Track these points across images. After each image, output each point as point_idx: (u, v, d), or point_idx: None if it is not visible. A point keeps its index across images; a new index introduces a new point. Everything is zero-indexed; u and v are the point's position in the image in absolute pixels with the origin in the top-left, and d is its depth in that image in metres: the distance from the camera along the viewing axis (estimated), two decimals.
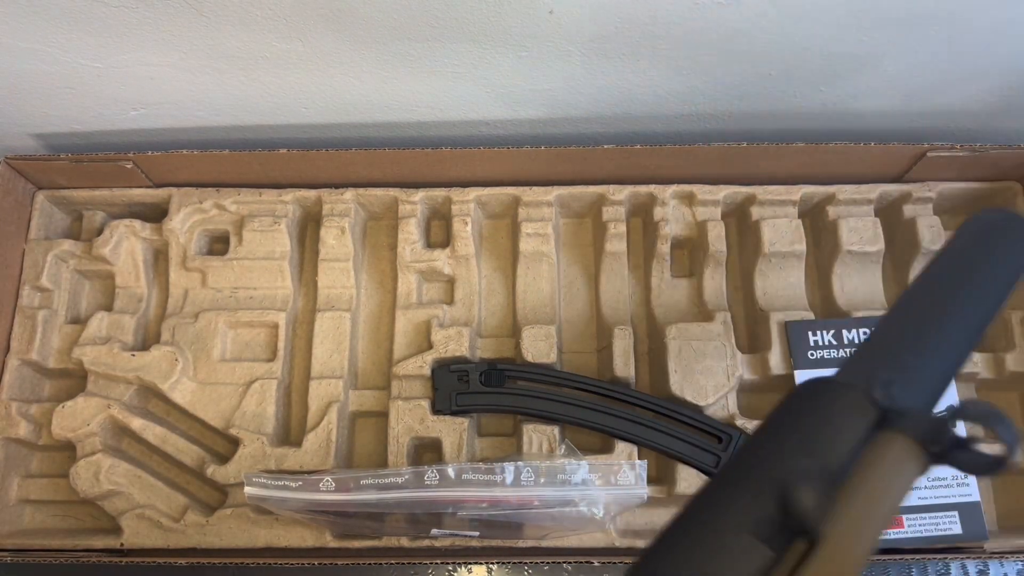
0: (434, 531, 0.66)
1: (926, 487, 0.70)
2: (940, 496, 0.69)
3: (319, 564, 0.65)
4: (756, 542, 0.27)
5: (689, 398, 0.70)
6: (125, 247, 0.77)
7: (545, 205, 0.77)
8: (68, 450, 0.72)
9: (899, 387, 0.32)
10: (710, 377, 0.70)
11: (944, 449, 0.30)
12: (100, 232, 0.77)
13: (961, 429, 0.59)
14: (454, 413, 0.70)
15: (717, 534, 0.28)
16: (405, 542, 0.67)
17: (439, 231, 0.81)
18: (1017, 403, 0.75)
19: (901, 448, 0.30)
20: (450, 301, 0.78)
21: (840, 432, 0.31)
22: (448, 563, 0.73)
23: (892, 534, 0.68)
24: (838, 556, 0.27)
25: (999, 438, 0.29)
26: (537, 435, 0.70)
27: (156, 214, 0.79)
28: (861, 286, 0.76)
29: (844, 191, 0.76)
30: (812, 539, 0.27)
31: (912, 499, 0.69)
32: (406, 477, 0.60)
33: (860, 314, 0.73)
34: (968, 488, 0.69)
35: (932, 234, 0.75)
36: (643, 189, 0.77)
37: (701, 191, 0.77)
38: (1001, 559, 0.68)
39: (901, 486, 0.30)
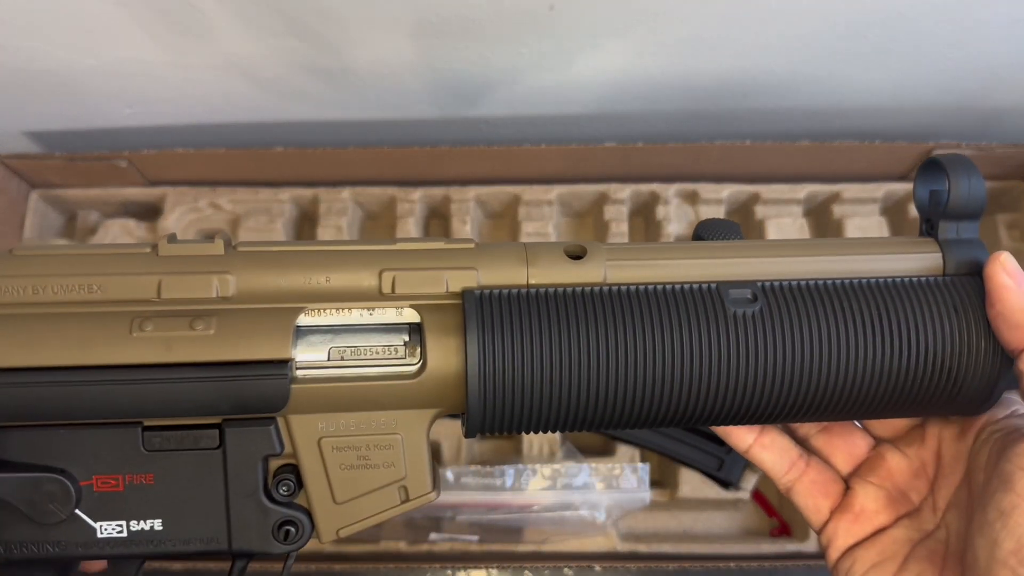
0: (433, 535, 0.66)
1: None
2: None
3: (316, 568, 0.65)
4: None
5: None
6: None
7: (546, 204, 0.76)
8: None
9: None
10: None
11: None
12: (94, 232, 0.77)
13: None
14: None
15: None
16: (403, 546, 0.66)
17: (438, 230, 0.80)
18: None
19: None
20: None
21: None
22: (447, 567, 0.73)
23: None
24: None
25: None
26: (537, 438, 0.69)
27: (150, 213, 0.78)
28: None
29: (849, 190, 0.76)
30: None
31: None
32: None
33: None
34: None
35: None
36: (645, 188, 0.76)
37: (704, 190, 0.76)
38: None
39: None
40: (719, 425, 0.38)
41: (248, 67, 0.68)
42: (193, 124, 0.77)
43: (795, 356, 0.35)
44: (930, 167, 0.38)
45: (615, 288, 0.35)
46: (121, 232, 0.76)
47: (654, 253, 0.37)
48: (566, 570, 0.66)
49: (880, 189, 0.76)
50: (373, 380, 0.35)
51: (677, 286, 0.36)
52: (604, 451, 0.70)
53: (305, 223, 0.80)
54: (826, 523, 0.41)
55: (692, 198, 0.77)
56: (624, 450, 0.69)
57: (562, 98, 0.74)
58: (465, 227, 0.75)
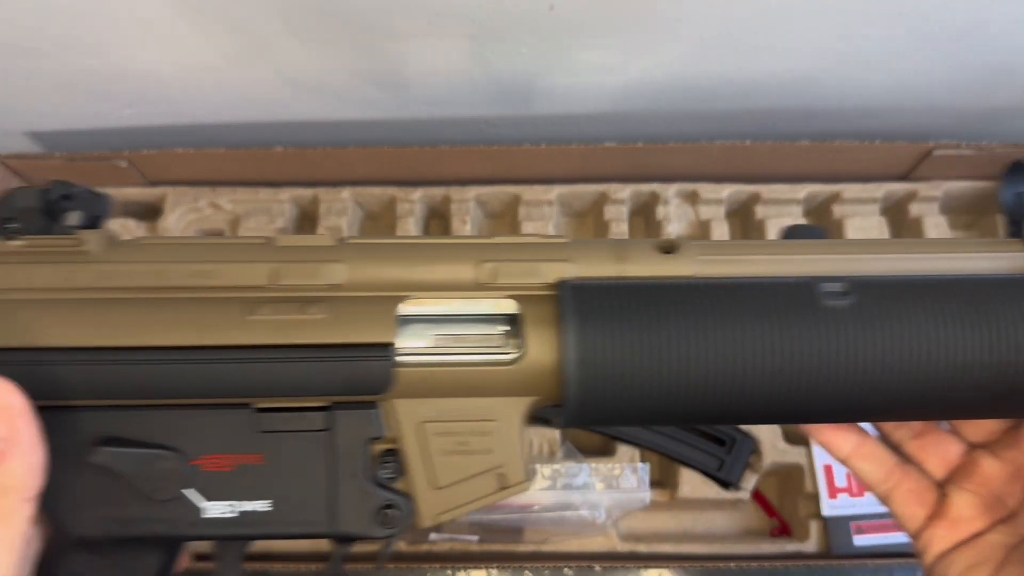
0: (432, 535, 0.65)
1: None
2: None
3: (316, 568, 0.64)
4: None
5: None
6: None
7: (546, 204, 0.76)
8: None
9: None
10: None
11: None
12: None
13: None
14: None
15: None
16: (403, 546, 0.66)
17: (438, 230, 0.80)
18: None
19: None
20: None
21: None
22: (447, 567, 0.72)
23: (897, 537, 0.67)
24: None
25: None
26: (537, 437, 0.69)
27: (150, 213, 0.78)
28: None
29: (850, 190, 0.76)
30: None
31: None
32: None
33: None
34: None
35: (938, 233, 0.74)
36: (646, 188, 0.76)
37: (704, 190, 0.76)
38: None
39: None
40: (810, 423, 0.39)
41: (248, 67, 0.68)
42: (193, 124, 0.77)
43: (888, 350, 0.34)
44: (1017, 170, 0.39)
45: (708, 281, 0.36)
46: (121, 232, 0.76)
47: (744, 249, 0.38)
48: (566, 570, 0.66)
49: (880, 189, 0.76)
50: (472, 367, 0.36)
51: (770, 280, 0.36)
52: (604, 451, 0.70)
53: (305, 223, 0.80)
54: (922, 530, 0.41)
55: (692, 198, 0.76)
56: (624, 450, 0.69)
57: (562, 98, 0.74)
58: (465, 227, 0.75)
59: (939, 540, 0.40)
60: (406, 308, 0.36)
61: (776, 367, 0.34)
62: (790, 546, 0.68)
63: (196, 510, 0.35)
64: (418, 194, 0.76)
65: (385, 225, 0.79)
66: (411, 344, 0.36)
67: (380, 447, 0.37)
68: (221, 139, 0.79)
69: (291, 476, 0.36)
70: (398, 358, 0.35)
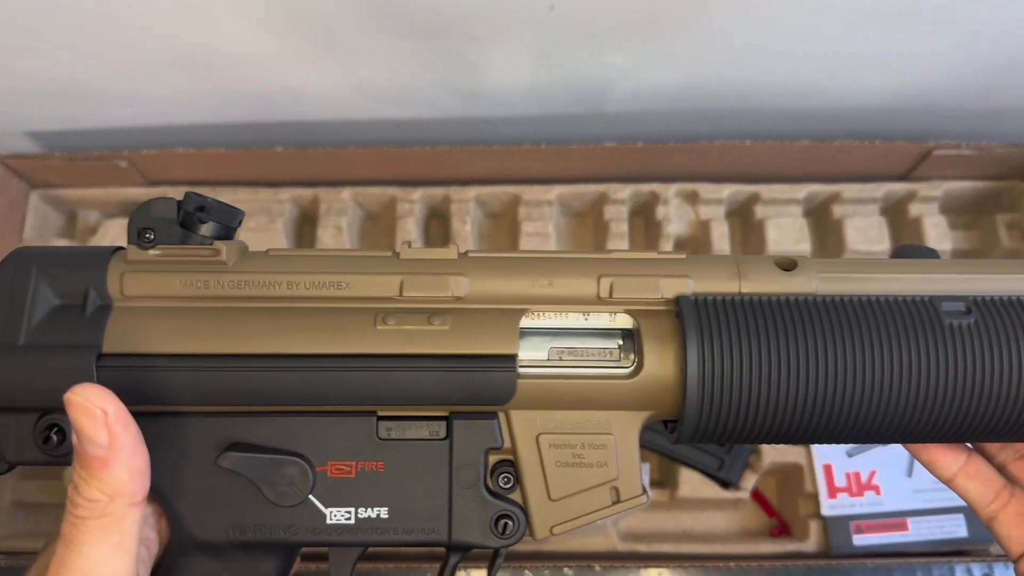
0: None
1: (931, 490, 0.69)
2: (946, 499, 0.68)
3: (316, 568, 0.64)
4: None
5: None
6: None
7: (546, 204, 0.76)
8: None
9: None
10: None
11: None
12: (94, 232, 0.76)
13: None
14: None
15: None
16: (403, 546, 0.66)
17: (438, 230, 0.80)
18: None
19: None
20: None
21: None
22: None
23: (897, 537, 0.67)
24: None
25: None
26: None
27: None
28: None
29: (849, 190, 0.76)
30: None
31: (917, 502, 0.68)
32: None
33: None
34: None
35: (938, 233, 0.74)
36: (645, 188, 0.76)
37: (704, 190, 0.76)
38: (1007, 562, 0.67)
39: None
40: (927, 442, 0.39)
41: (248, 67, 0.68)
42: (193, 124, 0.77)
43: (1007, 369, 0.34)
44: None
45: (828, 298, 0.36)
46: (121, 232, 0.76)
47: (864, 267, 0.38)
48: (566, 570, 0.66)
49: (880, 189, 0.76)
50: (589, 379, 0.36)
51: (890, 297, 0.36)
52: None
53: (305, 223, 0.80)
54: None
55: (692, 198, 0.76)
56: None
57: (561, 98, 0.74)
58: (465, 227, 0.75)
59: None
60: (526, 321, 0.37)
61: (901, 385, 0.34)
62: (790, 546, 0.68)
63: (320, 516, 0.36)
64: (418, 194, 0.76)
65: (385, 225, 0.80)
66: (530, 355, 0.36)
67: (495, 458, 0.37)
68: (221, 139, 0.79)
69: (410, 484, 0.36)
70: (520, 369, 0.36)
